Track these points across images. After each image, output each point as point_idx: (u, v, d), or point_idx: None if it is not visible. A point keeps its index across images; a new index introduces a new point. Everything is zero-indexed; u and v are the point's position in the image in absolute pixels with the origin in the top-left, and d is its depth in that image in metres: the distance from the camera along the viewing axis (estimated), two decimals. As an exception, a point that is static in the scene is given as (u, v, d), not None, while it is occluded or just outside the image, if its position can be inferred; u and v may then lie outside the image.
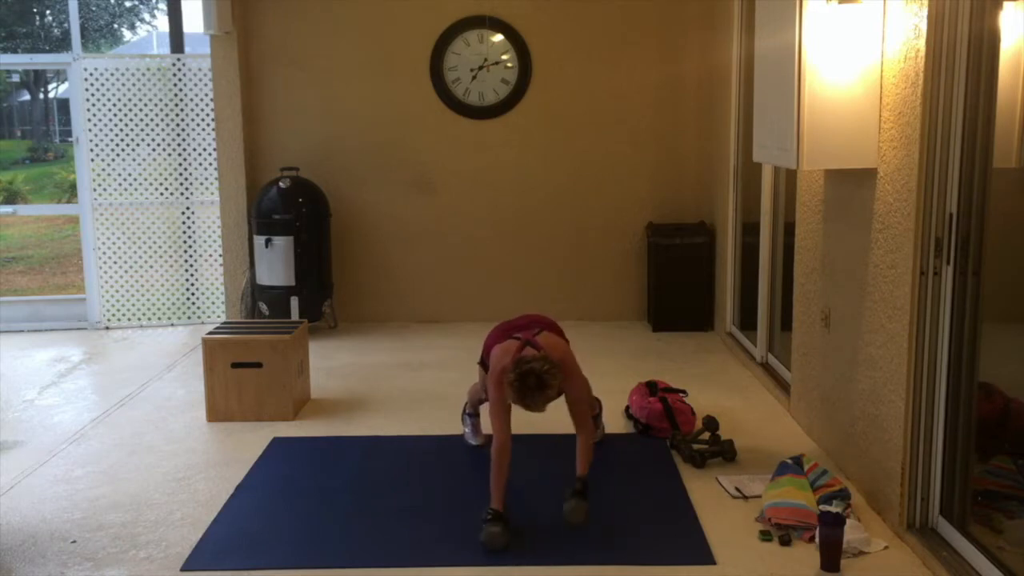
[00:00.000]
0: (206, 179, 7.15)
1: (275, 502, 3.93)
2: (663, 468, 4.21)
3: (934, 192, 3.31)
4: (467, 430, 4.54)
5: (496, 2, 6.91)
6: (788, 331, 4.96)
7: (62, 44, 16.86)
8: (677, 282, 6.77)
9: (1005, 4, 3.10)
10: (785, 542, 3.45)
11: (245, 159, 6.93)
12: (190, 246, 7.22)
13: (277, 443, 4.61)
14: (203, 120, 7.07)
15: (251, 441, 4.64)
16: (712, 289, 6.82)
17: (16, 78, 18.45)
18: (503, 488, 3.55)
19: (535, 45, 6.95)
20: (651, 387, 4.82)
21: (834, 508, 3.45)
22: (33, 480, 4.19)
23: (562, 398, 3.66)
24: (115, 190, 7.12)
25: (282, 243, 6.58)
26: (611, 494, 3.92)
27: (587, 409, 3.80)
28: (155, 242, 7.19)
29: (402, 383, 5.63)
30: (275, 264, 6.62)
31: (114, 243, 7.15)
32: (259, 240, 6.65)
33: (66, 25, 12.15)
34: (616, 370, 5.69)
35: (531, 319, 4.07)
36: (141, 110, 7.03)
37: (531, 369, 3.44)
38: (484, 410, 4.11)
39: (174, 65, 7.03)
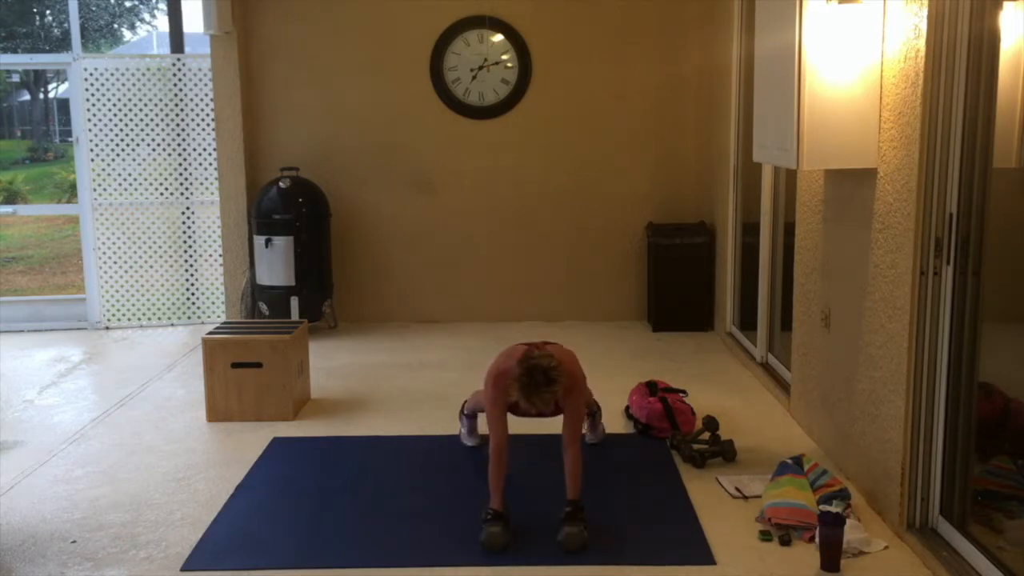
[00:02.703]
0: (206, 179, 7.15)
1: (275, 502, 3.93)
2: (663, 468, 4.21)
3: (934, 192, 3.31)
4: (463, 430, 4.53)
5: (496, 2, 6.91)
6: (788, 331, 4.96)
7: (62, 44, 16.86)
8: (677, 282, 6.77)
9: (1005, 4, 3.10)
10: (785, 542, 3.45)
11: (245, 159, 6.93)
12: (190, 246, 7.22)
13: (277, 443, 4.61)
14: (203, 120, 7.07)
15: (251, 441, 4.64)
16: (712, 289, 6.82)
17: (16, 78, 18.45)
18: (502, 487, 3.55)
19: (535, 45, 6.95)
20: (651, 387, 4.82)
21: (834, 508, 3.45)
22: (33, 480, 4.19)
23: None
24: (115, 190, 7.12)
25: (282, 243, 6.58)
26: (611, 494, 3.92)
27: (580, 427, 3.73)
28: (155, 242, 7.19)
29: (402, 383, 5.63)
30: (275, 264, 6.62)
31: (114, 243, 7.15)
32: (259, 240, 6.65)
33: (66, 25, 12.15)
34: (616, 370, 5.69)
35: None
36: (141, 110, 7.03)
37: (538, 365, 3.42)
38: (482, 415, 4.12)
39: (174, 65, 7.03)
